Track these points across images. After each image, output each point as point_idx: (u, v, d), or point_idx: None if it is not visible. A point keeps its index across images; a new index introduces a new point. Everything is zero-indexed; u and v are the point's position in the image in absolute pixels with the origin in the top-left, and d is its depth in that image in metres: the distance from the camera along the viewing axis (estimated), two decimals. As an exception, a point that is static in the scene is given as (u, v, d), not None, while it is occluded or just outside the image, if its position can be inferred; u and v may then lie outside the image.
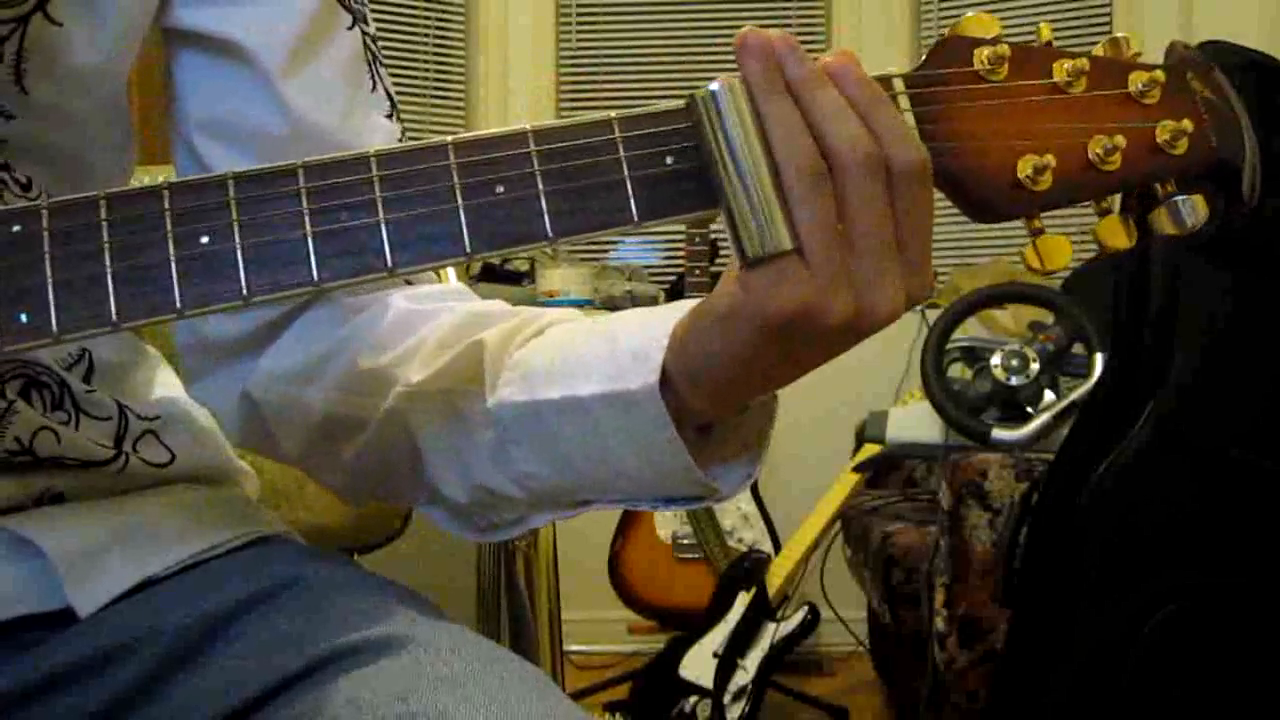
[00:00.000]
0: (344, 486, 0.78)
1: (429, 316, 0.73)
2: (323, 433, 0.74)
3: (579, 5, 3.94)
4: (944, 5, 3.80)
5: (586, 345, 0.66)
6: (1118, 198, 0.61)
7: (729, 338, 0.58)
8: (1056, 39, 0.62)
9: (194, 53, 0.74)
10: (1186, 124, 0.60)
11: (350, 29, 0.77)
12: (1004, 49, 0.60)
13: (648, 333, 0.62)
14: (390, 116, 0.78)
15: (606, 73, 3.92)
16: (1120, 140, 0.59)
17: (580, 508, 0.70)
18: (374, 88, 0.78)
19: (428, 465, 0.71)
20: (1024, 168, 0.59)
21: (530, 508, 0.70)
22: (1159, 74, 0.61)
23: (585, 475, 0.67)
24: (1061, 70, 0.60)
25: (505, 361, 0.68)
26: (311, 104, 0.74)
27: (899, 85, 0.59)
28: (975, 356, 2.39)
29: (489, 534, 0.73)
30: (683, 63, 3.87)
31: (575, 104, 3.92)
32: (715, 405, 0.62)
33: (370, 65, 0.78)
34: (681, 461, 0.63)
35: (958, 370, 2.45)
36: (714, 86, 0.55)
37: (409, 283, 0.76)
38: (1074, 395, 2.15)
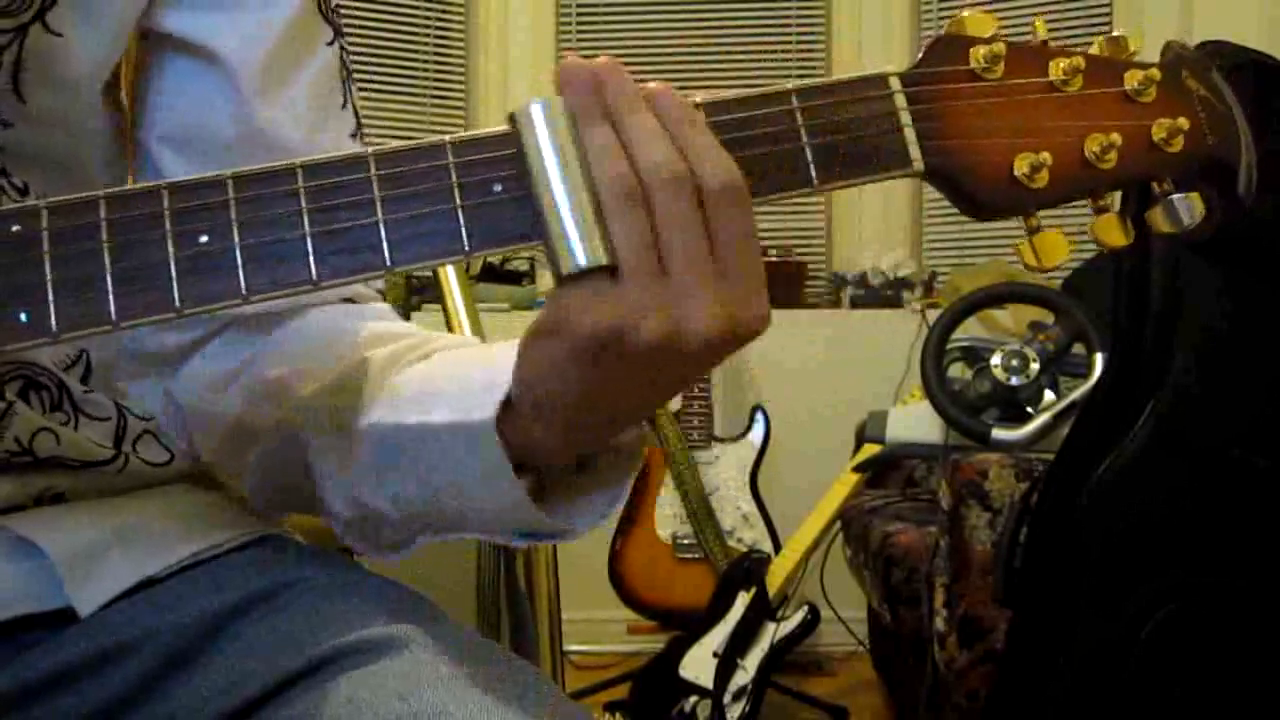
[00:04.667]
0: (252, 494, 0.78)
1: (339, 333, 0.74)
2: (232, 439, 0.75)
3: (579, 5, 3.94)
4: (944, 5, 3.81)
5: (451, 373, 0.66)
6: (1116, 196, 0.61)
7: (550, 358, 0.57)
8: (1056, 39, 0.62)
9: (169, 57, 0.74)
10: (1182, 122, 0.60)
11: (330, 44, 0.77)
12: (1000, 47, 0.60)
13: (501, 363, 0.61)
14: (355, 136, 0.78)
15: (606, 73, 3.91)
16: (1116, 138, 0.59)
17: (453, 534, 0.69)
18: (344, 104, 0.78)
19: (315, 479, 0.71)
20: (1020, 165, 0.59)
21: (411, 530, 0.70)
22: (1155, 72, 0.61)
23: (445, 503, 0.66)
24: (1057, 68, 0.60)
25: (383, 384, 0.68)
26: (280, 119, 0.74)
27: (895, 83, 0.59)
28: (975, 356, 2.39)
29: (386, 552, 0.72)
30: (683, 63, 3.87)
31: (575, 104, 3.91)
32: (557, 436, 0.61)
33: (344, 82, 0.78)
34: (518, 495, 0.62)
35: (958, 370, 2.45)
36: (530, 106, 0.55)
37: (350, 300, 0.77)
38: (1074, 395, 2.15)
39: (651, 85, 0.56)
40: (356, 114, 0.79)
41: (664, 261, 0.54)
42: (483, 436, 0.61)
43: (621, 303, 0.54)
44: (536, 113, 0.55)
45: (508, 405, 0.60)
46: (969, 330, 2.51)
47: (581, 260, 0.54)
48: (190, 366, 0.76)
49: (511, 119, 0.56)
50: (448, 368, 0.67)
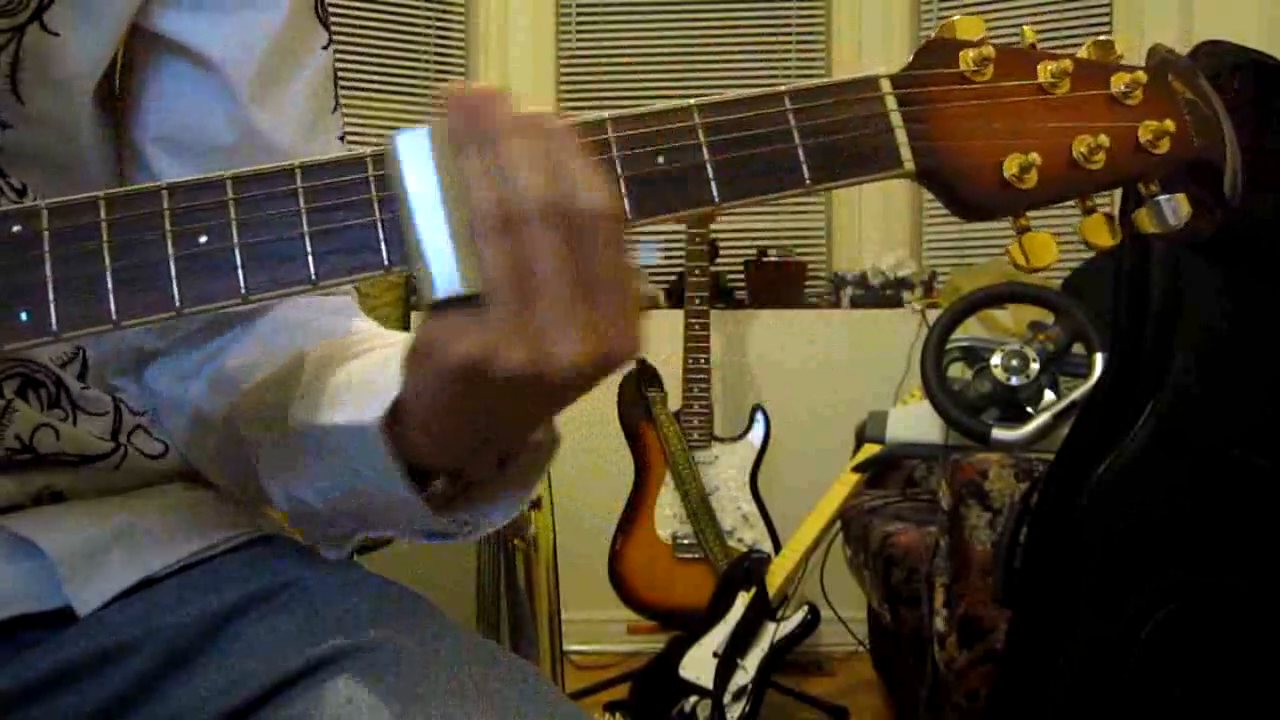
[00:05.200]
0: (220, 482, 0.78)
1: (293, 329, 0.74)
2: (193, 429, 0.75)
3: (579, 5, 3.94)
4: (943, 5, 3.81)
5: (360, 376, 0.66)
6: (1104, 196, 0.62)
7: (422, 380, 0.57)
8: (1056, 40, 0.62)
9: (162, 59, 0.74)
10: (1168, 124, 0.61)
11: (325, 48, 0.77)
12: (989, 50, 0.60)
13: (396, 369, 0.61)
14: (342, 138, 0.79)
15: (606, 73, 3.92)
16: (1104, 139, 0.60)
17: (379, 532, 0.70)
18: (334, 108, 0.78)
19: (258, 472, 0.71)
20: (1010, 166, 0.59)
21: (345, 526, 0.70)
22: (1141, 75, 0.62)
23: (358, 503, 0.66)
24: (1046, 71, 0.61)
25: (313, 382, 0.68)
26: (274, 123, 0.74)
27: (885, 85, 0.59)
28: (975, 356, 2.39)
29: (328, 546, 0.73)
30: (683, 63, 3.87)
31: (575, 104, 3.91)
32: (443, 453, 0.61)
33: (335, 85, 0.79)
34: (409, 495, 0.62)
35: (958, 370, 2.45)
36: (396, 137, 0.55)
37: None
38: (1074, 395, 2.15)
39: (531, 110, 0.56)
40: (341, 117, 0.80)
41: (530, 291, 0.53)
42: (371, 439, 0.61)
43: (487, 331, 0.53)
44: (401, 142, 0.55)
45: (399, 412, 0.60)
46: (969, 330, 2.51)
47: (447, 289, 0.54)
48: (166, 355, 0.76)
49: (388, 145, 0.55)
50: (361, 370, 0.67)
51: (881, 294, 3.68)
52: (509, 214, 0.53)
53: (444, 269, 0.54)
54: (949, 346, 2.40)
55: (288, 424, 0.67)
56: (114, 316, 0.53)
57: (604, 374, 0.55)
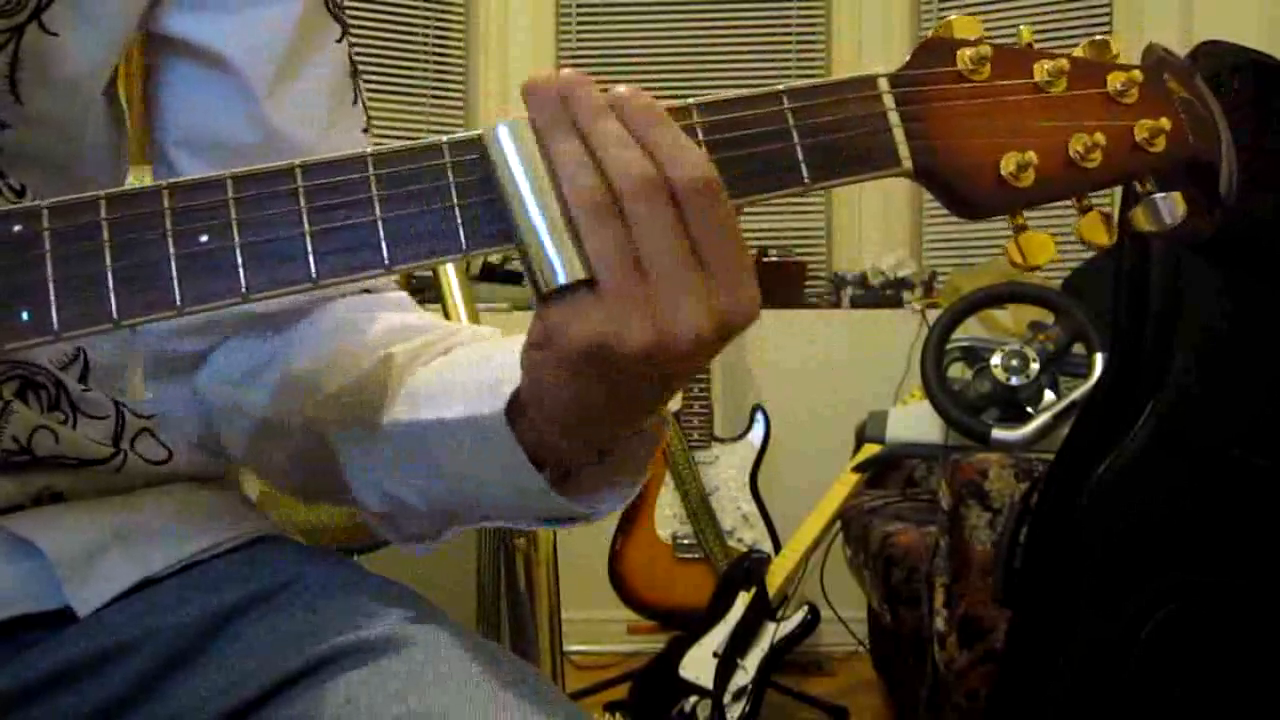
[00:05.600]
0: (288, 488, 0.78)
1: (360, 327, 0.74)
2: (261, 436, 0.75)
3: (579, 5, 3.94)
4: (943, 5, 3.81)
5: (465, 370, 0.66)
6: (1101, 195, 0.62)
7: (542, 370, 0.58)
8: (1057, 41, 0.62)
9: (177, 61, 0.74)
10: (1164, 122, 0.61)
11: (339, 41, 0.77)
12: (986, 49, 0.60)
13: (511, 360, 0.62)
14: (365, 130, 0.79)
15: (606, 73, 3.91)
16: (1100, 138, 0.60)
17: (480, 524, 0.70)
18: (354, 101, 0.78)
19: (344, 473, 0.72)
20: (1007, 165, 0.59)
21: (441, 521, 0.71)
22: (1137, 74, 0.62)
23: (468, 495, 0.67)
24: (1042, 70, 0.61)
25: (404, 380, 0.69)
26: (293, 119, 0.74)
27: (883, 84, 0.60)
28: (975, 356, 2.39)
29: (413, 544, 0.73)
30: (683, 63, 3.87)
31: (575, 104, 3.91)
32: (568, 439, 0.61)
33: (353, 78, 0.78)
34: (537, 484, 0.62)
35: (958, 370, 2.45)
36: (498, 128, 0.56)
37: (368, 290, 0.77)
38: (1074, 395, 2.15)
39: (618, 89, 0.56)
40: (365, 108, 0.79)
41: (643, 267, 0.54)
42: (493, 432, 0.61)
43: (604, 314, 0.54)
44: (503, 134, 0.55)
45: (518, 403, 0.61)
46: (969, 330, 2.51)
47: (560, 277, 0.54)
48: (213, 364, 0.76)
49: (480, 141, 0.56)
50: (463, 364, 0.68)
51: (881, 294, 3.69)
52: (612, 195, 0.54)
53: (555, 256, 0.54)
54: (949, 346, 2.40)
55: (381, 424, 0.67)
56: (115, 316, 0.53)
57: (725, 340, 0.56)
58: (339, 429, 0.71)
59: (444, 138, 0.57)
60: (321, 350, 0.73)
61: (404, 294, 0.79)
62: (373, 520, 0.74)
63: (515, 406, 0.61)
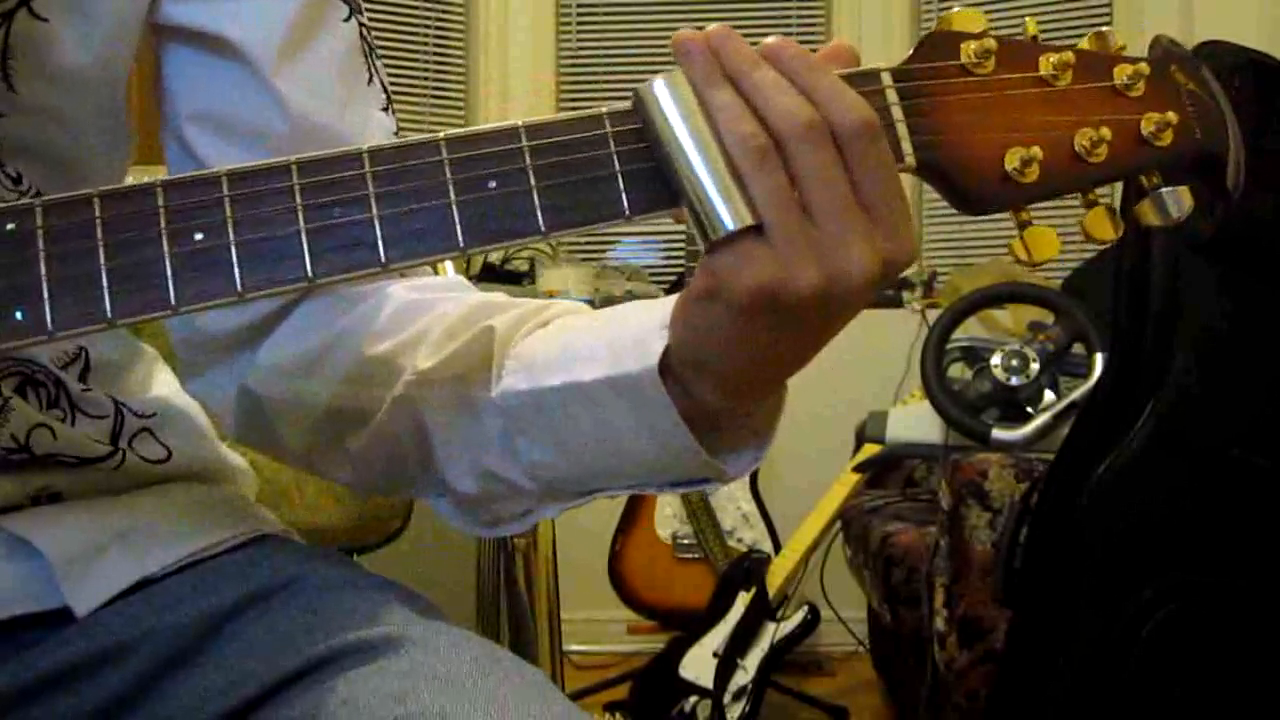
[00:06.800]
0: (351, 479, 0.78)
1: (430, 306, 0.73)
2: (327, 425, 0.74)
3: (579, 5, 3.94)
4: (943, 4, 3.81)
5: (589, 334, 0.66)
6: (1107, 190, 0.61)
7: (709, 321, 0.58)
8: (1056, 39, 0.62)
9: (184, 49, 0.74)
10: (1171, 116, 0.60)
11: (347, 20, 0.76)
12: (990, 43, 0.60)
13: (647, 320, 0.63)
14: (386, 110, 0.78)
15: (606, 73, 3.92)
16: (1106, 132, 0.60)
17: (587, 497, 0.70)
18: (370, 80, 0.77)
19: (436, 454, 0.71)
20: (1011, 160, 0.59)
21: (539, 499, 0.70)
22: (1144, 67, 0.61)
23: (593, 462, 0.67)
24: (1047, 64, 0.60)
25: (511, 350, 0.68)
26: (307, 99, 0.73)
27: (886, 79, 0.59)
28: (975, 356, 2.39)
29: (494, 528, 0.73)
30: (683, 63, 3.86)
31: (575, 104, 3.91)
32: (724, 394, 0.62)
33: (367, 57, 0.78)
34: (686, 442, 0.63)
35: (958, 370, 2.45)
36: (654, 83, 0.57)
37: (404, 275, 0.76)
38: (1074, 395, 2.14)
39: (769, 40, 0.58)
40: (385, 88, 0.79)
41: (809, 211, 0.55)
42: (645, 386, 0.62)
43: (774, 259, 0.55)
44: (660, 88, 0.57)
45: (664, 362, 0.61)
46: (969, 330, 2.51)
47: (727, 225, 0.55)
48: (261, 357, 0.75)
49: (635, 99, 0.57)
50: (583, 330, 0.68)
51: (881, 294, 3.68)
52: (773, 140, 0.55)
53: (723, 205, 0.55)
54: (949, 346, 2.40)
55: (489, 397, 0.67)
56: (109, 315, 0.53)
57: (889, 280, 0.57)
58: (438, 406, 0.70)
59: (441, 134, 0.56)
60: (395, 330, 0.72)
61: (462, 278, 0.79)
62: (449, 509, 0.73)
63: (662, 365, 0.61)
